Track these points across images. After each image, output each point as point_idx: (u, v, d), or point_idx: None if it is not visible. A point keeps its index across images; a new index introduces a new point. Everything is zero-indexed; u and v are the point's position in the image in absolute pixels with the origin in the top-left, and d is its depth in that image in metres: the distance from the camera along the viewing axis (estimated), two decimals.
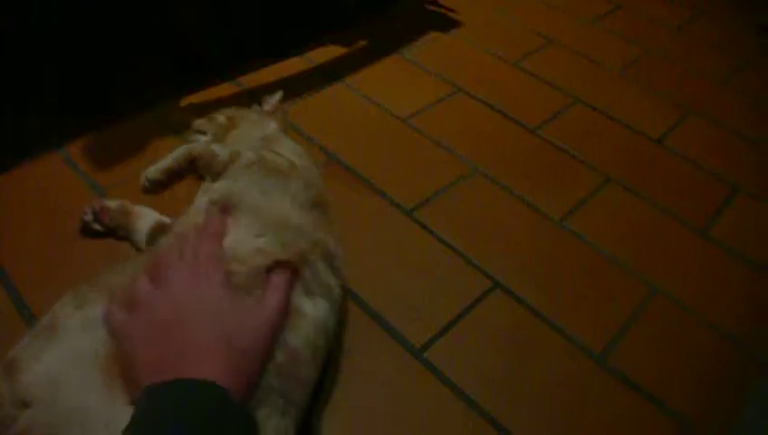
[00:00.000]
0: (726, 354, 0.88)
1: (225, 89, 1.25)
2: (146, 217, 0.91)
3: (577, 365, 0.84)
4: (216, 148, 0.81)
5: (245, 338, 0.60)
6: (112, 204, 0.93)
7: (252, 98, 1.22)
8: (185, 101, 1.21)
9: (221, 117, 0.95)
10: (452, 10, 1.59)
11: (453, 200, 1.06)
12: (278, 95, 1.03)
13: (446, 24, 1.54)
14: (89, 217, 0.92)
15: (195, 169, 0.81)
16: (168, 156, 0.81)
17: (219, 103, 1.21)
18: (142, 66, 1.28)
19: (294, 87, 1.26)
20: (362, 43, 1.43)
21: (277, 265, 0.66)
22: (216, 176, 0.79)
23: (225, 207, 0.72)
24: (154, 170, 0.81)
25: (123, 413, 0.51)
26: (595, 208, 1.08)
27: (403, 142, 1.17)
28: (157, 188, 0.82)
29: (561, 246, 1.00)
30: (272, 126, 0.96)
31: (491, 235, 1.01)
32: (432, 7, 1.60)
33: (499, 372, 0.82)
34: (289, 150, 0.85)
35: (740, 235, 1.07)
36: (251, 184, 0.76)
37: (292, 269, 0.67)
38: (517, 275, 0.94)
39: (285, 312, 0.64)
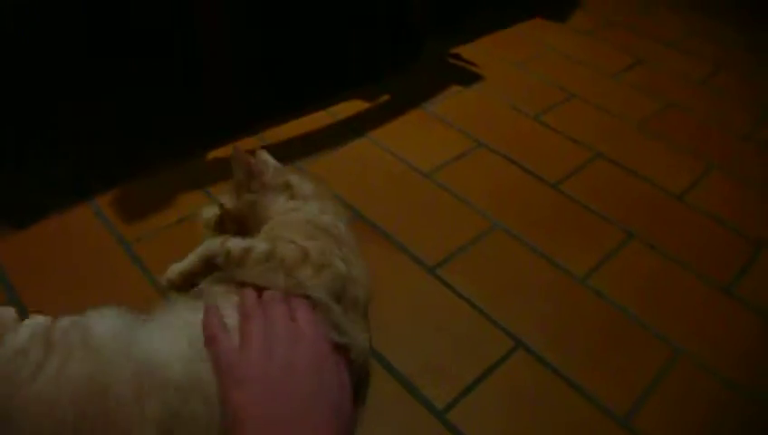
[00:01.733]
0: (756, 418, 0.87)
1: (248, 143, 1.28)
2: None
3: (601, 428, 0.83)
4: (231, 244, 0.77)
5: (346, 402, 0.60)
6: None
7: (272, 153, 1.24)
8: (210, 155, 1.23)
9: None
10: (473, 64, 1.62)
11: (475, 257, 1.06)
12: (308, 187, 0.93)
13: (467, 78, 1.56)
14: None
15: (214, 268, 0.79)
16: (187, 257, 0.80)
17: None
18: (170, 120, 1.32)
19: (317, 142, 1.29)
20: (385, 97, 1.45)
21: None
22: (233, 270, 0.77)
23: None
24: (173, 272, 0.80)
25: None
26: (618, 266, 1.07)
27: (426, 198, 1.18)
28: (178, 288, 0.80)
29: (584, 305, 1.00)
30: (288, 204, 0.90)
31: (513, 292, 1.01)
32: (453, 61, 1.63)
33: (522, 434, 0.81)
34: (302, 232, 0.81)
35: (766, 293, 1.05)
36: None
37: None
38: (540, 334, 0.94)
39: None
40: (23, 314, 0.89)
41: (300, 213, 0.86)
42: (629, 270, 1.07)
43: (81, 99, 1.36)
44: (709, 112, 1.53)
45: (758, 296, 1.04)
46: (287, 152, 1.24)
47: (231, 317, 0.70)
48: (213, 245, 0.79)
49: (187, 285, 0.79)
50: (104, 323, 0.66)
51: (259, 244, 0.76)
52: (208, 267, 0.79)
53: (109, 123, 1.30)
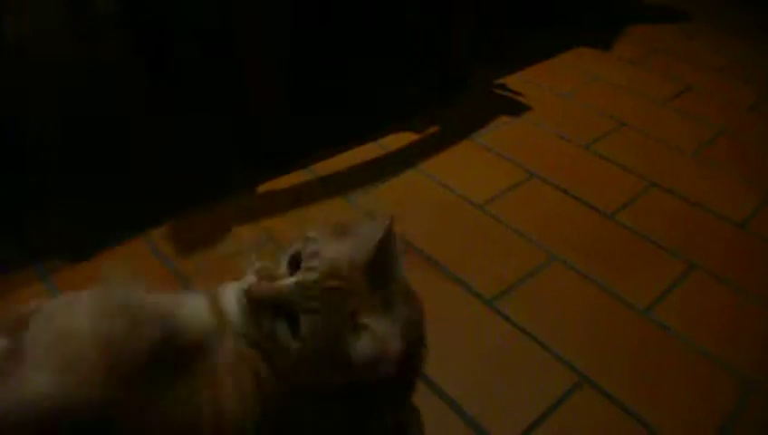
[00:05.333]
0: None
1: (298, 176, 1.28)
2: None
3: None
4: None
5: None
6: None
7: (324, 185, 1.25)
8: (261, 188, 1.24)
9: None
10: (520, 94, 1.61)
11: (532, 289, 1.04)
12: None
13: (515, 108, 1.55)
14: None
15: None
16: None
17: (292, 191, 1.24)
18: (221, 155, 1.33)
19: (368, 174, 1.29)
20: (433, 129, 1.45)
21: None
22: None
23: None
24: None
25: None
26: (681, 297, 1.04)
27: (479, 229, 1.16)
28: None
29: (648, 338, 0.97)
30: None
31: (574, 325, 0.98)
32: (500, 92, 1.63)
33: None
34: None
35: None
36: None
37: None
38: (603, 368, 0.91)
39: None
40: None
41: None
42: (695, 302, 1.04)
43: (135, 134, 1.39)
44: (762, 138, 1.49)
45: None
46: (339, 185, 1.25)
47: None
48: None
49: None
50: None
51: None
52: None
53: (162, 159, 1.32)
